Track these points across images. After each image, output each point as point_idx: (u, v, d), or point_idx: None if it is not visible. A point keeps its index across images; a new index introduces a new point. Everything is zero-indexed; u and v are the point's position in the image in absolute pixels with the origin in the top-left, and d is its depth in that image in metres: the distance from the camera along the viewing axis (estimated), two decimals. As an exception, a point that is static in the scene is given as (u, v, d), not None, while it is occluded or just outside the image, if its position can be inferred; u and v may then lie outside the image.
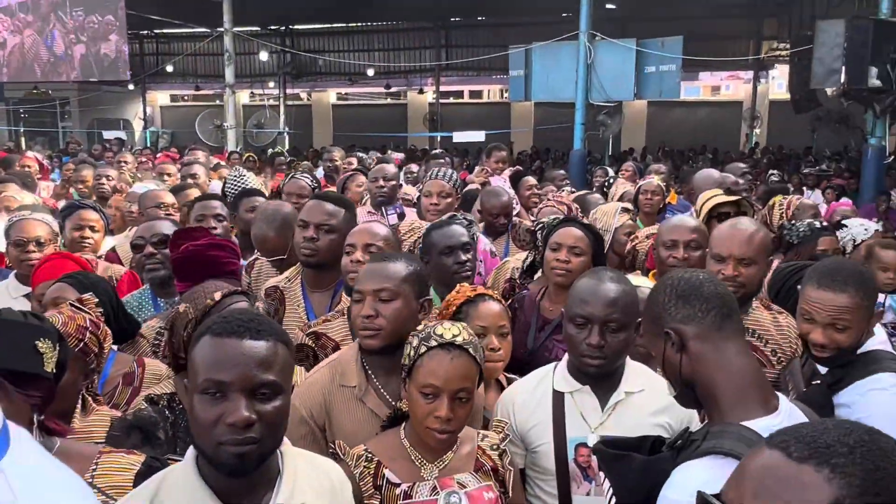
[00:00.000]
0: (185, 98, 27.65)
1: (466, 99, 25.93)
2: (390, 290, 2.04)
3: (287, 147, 18.33)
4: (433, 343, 1.83)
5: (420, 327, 1.92)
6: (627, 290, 2.10)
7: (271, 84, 24.03)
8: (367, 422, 2.01)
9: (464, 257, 2.92)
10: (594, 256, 2.85)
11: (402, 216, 4.49)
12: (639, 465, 1.50)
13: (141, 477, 1.63)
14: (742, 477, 0.99)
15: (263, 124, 22.15)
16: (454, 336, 1.83)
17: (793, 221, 3.77)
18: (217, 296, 2.15)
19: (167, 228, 3.16)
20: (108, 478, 1.67)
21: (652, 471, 1.47)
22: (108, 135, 17.47)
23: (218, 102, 26.54)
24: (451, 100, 25.08)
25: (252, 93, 24.90)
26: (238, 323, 1.42)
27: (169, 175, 6.00)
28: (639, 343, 2.04)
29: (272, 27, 22.97)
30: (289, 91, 23.99)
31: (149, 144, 20.39)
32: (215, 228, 3.58)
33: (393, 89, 24.08)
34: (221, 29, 14.46)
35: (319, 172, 6.94)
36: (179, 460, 1.51)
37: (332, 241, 2.79)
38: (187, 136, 20.82)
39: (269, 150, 15.67)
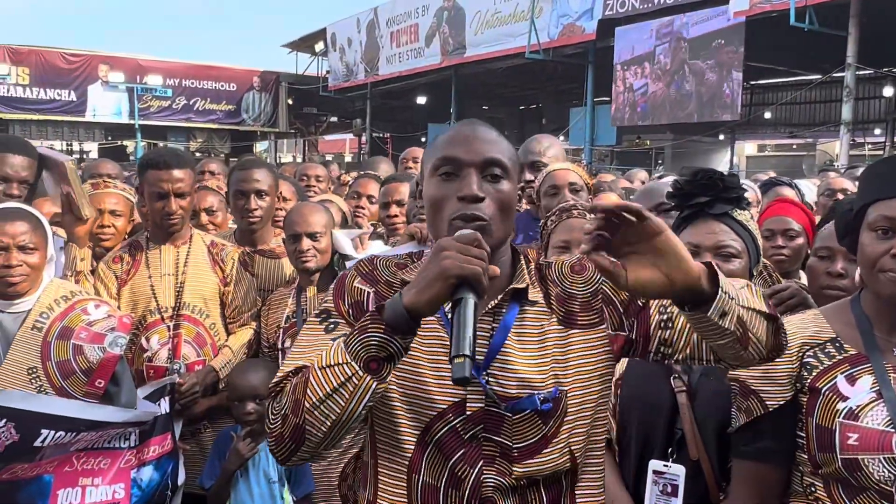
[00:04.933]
0: (769, 148, 26.81)
1: None
2: None
3: None
4: None
5: None
6: None
7: (877, 131, 21.51)
8: None
9: None
10: None
11: None
12: None
13: None
14: None
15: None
16: None
17: None
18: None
19: None
20: None
21: None
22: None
23: (794, 153, 25.10)
24: None
25: (853, 140, 22.71)
26: None
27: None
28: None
29: (886, 69, 20.51)
30: (896, 139, 21.08)
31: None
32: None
33: None
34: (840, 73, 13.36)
35: None
36: None
37: None
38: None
39: None
